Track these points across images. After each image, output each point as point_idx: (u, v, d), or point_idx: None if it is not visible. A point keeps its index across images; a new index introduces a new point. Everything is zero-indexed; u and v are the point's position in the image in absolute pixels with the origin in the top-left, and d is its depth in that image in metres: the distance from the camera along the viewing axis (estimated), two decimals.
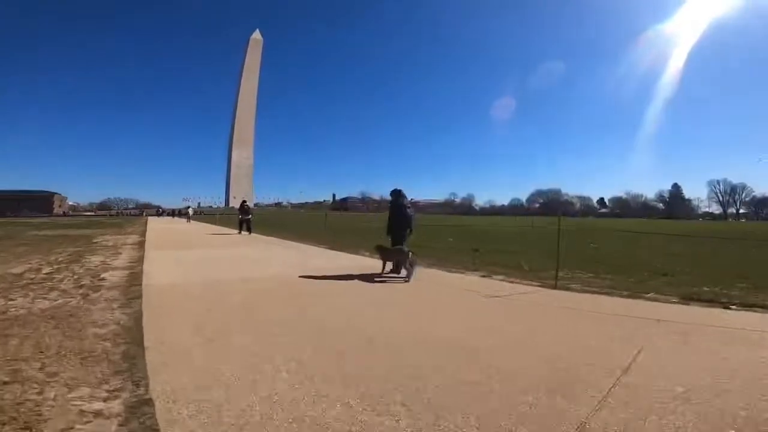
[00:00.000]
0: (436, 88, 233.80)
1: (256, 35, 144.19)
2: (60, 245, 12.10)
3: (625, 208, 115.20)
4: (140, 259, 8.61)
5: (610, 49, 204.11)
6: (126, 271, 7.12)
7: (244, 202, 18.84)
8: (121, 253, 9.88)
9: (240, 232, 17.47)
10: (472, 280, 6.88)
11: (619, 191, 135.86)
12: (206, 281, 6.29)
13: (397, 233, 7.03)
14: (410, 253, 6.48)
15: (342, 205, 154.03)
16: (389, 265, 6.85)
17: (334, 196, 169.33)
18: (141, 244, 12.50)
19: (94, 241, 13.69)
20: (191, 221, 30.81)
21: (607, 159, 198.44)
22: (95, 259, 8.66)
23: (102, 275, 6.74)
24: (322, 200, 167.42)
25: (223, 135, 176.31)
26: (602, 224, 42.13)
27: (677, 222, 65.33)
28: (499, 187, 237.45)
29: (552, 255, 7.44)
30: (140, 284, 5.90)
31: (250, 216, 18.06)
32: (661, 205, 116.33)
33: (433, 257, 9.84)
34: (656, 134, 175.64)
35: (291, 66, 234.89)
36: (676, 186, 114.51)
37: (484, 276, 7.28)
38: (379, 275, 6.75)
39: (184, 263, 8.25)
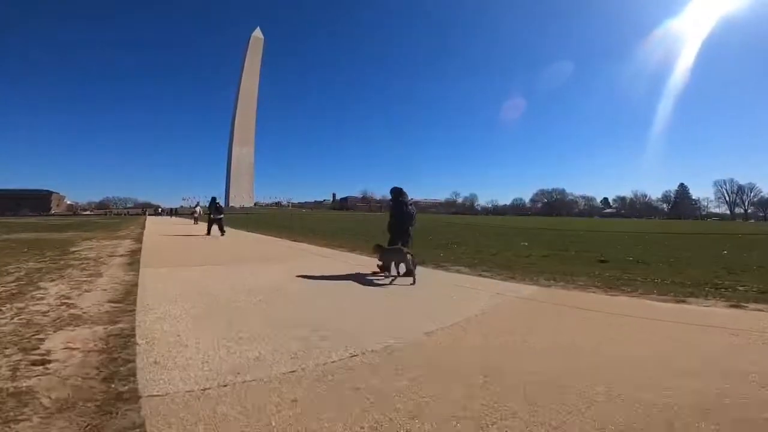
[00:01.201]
0: (439, 88, 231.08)
1: (257, 33, 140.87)
2: (20, 257, 8.29)
3: (631, 208, 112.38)
4: (131, 292, 4.84)
5: (615, 49, 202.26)
6: (100, 330, 3.39)
7: (215, 199, 15.94)
8: (101, 275, 6.08)
9: (209, 233, 15.02)
10: (721, 314, 4.21)
11: (620, 191, 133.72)
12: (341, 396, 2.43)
13: (399, 232, 6.66)
14: (409, 254, 5.95)
15: (342, 204, 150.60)
16: (400, 267, 6.02)
17: (334, 195, 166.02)
18: (135, 255, 8.75)
19: (73, 249, 9.90)
20: (199, 222, 24.52)
21: (610, 159, 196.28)
22: (53, 292, 4.89)
23: (45, 344, 3.03)
24: (321, 200, 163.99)
25: (223, 133, 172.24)
26: (662, 226, 38.82)
27: (695, 223, 62.42)
28: (500, 187, 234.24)
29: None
30: (130, 396, 2.20)
31: (222, 216, 15.79)
32: (664, 205, 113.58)
33: (562, 273, 6.35)
34: (660, 134, 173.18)
35: (292, 65, 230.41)
36: (682, 186, 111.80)
37: (735, 306, 4.50)
38: (373, 275, 6.23)
39: (220, 302, 4.44)
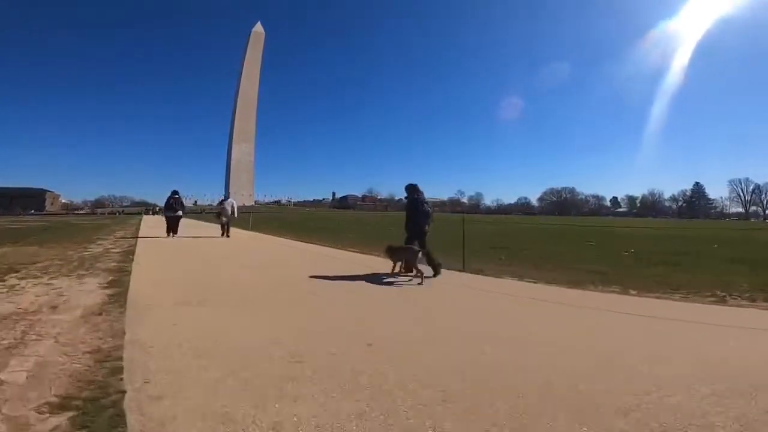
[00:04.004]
0: (441, 87, 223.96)
1: (258, 28, 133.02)
2: None
3: (643, 207, 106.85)
4: None
5: (617, 48, 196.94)
6: None
7: (176, 193, 13.10)
8: None
9: (170, 235, 12.57)
10: None
11: (627, 191, 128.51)
12: None
13: (415, 231, 6.09)
14: (419, 252, 5.73)
15: (342, 203, 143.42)
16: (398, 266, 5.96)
17: (333, 194, 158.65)
18: None
19: None
20: (230, 230, 13.26)
21: (612, 158, 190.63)
22: None
23: None
24: (321, 198, 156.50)
25: (223, 131, 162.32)
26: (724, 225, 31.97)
27: (718, 222, 56.40)
28: (503, 186, 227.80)
29: None
30: None
31: (180, 213, 13.05)
32: (674, 204, 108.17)
33: None
34: (666, 132, 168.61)
35: (293, 62, 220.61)
36: (698, 185, 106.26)
37: None
38: (390, 275, 5.85)
39: None
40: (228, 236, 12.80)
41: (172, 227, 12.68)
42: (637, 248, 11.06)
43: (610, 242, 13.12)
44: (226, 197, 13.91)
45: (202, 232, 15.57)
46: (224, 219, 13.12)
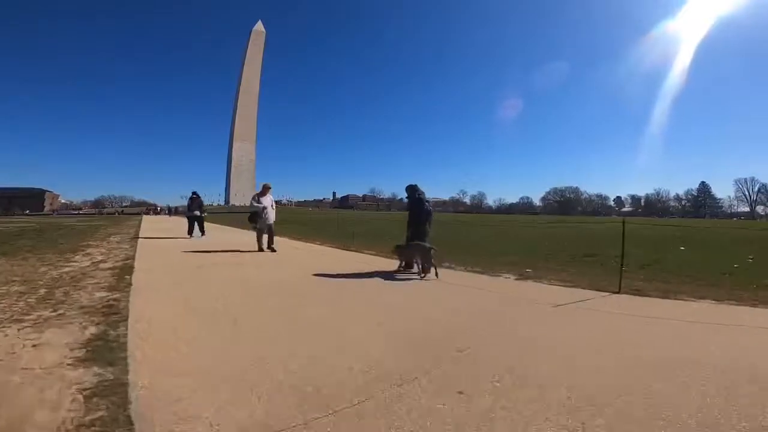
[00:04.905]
0: (443, 87, 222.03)
1: (259, 27, 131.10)
2: None
3: (648, 206, 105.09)
4: None
5: (616, 48, 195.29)
6: None
7: (195, 194, 12.78)
8: None
9: (191, 236, 12.13)
10: None
11: (629, 191, 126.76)
12: None
13: (417, 229, 6.12)
14: (431, 250, 5.55)
15: (343, 203, 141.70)
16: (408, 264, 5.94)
17: (334, 194, 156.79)
18: None
19: None
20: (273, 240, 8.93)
21: (617, 158, 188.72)
22: None
23: None
24: (321, 198, 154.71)
25: (223, 130, 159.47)
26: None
27: (727, 222, 54.64)
28: (505, 186, 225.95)
29: None
30: None
31: (201, 213, 12.70)
32: (678, 204, 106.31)
33: None
34: (669, 132, 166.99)
35: (294, 61, 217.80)
36: (704, 184, 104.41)
37: None
38: (397, 272, 5.88)
39: None
40: (274, 249, 8.64)
41: (192, 228, 12.54)
42: (745, 253, 8.98)
43: (699, 246, 11.01)
44: (263, 192, 9.06)
45: (219, 237, 12.85)
46: (263, 224, 8.75)
